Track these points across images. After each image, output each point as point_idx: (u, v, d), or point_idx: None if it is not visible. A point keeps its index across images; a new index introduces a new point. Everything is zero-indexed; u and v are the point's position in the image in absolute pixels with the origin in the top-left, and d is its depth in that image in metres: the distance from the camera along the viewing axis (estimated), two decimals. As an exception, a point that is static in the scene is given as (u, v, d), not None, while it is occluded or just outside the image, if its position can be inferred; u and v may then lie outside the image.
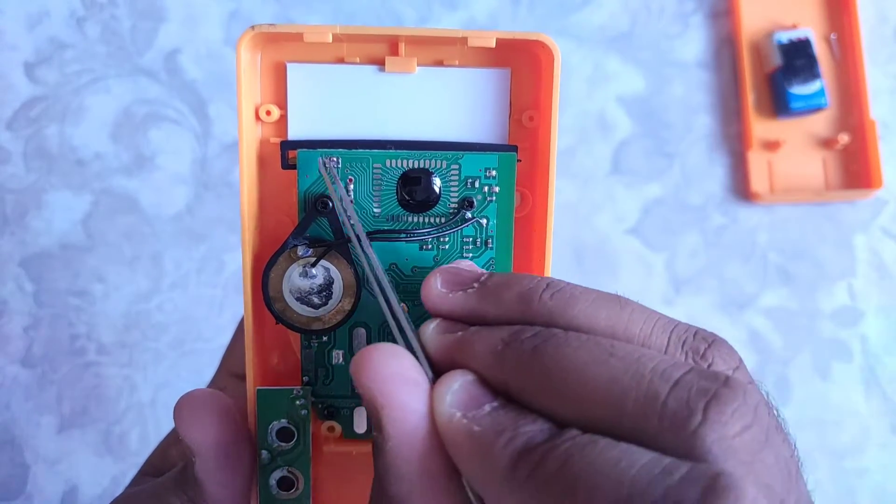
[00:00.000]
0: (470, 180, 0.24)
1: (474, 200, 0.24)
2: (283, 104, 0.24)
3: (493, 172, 0.24)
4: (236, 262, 0.55)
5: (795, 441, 0.17)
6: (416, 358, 0.19)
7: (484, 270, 0.20)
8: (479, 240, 0.24)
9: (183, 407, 0.22)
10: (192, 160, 0.56)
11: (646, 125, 0.57)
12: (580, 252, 0.56)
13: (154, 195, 0.56)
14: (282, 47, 0.24)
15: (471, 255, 0.24)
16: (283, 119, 0.24)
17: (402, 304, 0.21)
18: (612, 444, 0.15)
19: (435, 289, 0.20)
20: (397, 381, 0.17)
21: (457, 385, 0.17)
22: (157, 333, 0.55)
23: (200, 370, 0.55)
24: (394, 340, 0.20)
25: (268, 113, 0.24)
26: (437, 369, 0.19)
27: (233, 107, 0.55)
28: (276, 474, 0.23)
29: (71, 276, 0.55)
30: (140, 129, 0.56)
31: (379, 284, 0.21)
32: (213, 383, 0.29)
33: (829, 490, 0.55)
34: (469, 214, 0.24)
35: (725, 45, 0.58)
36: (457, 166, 0.24)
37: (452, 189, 0.24)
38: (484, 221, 0.24)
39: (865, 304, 0.57)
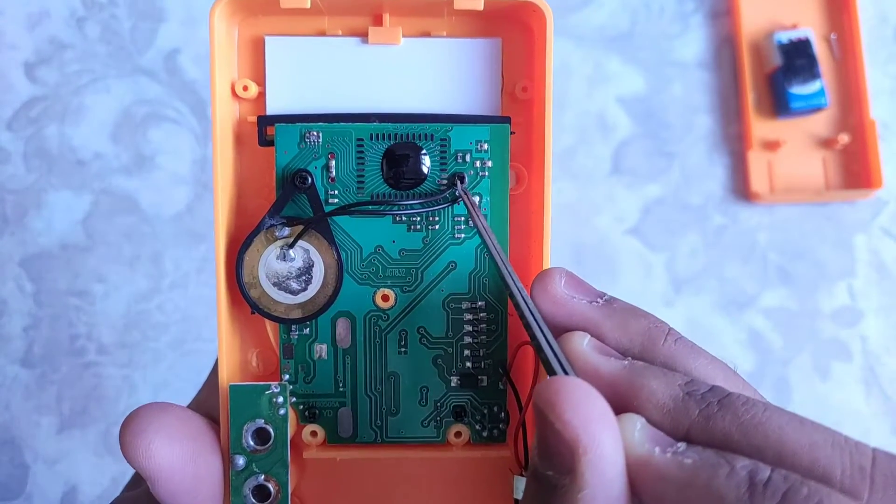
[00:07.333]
0: (460, 154, 0.22)
1: (465, 176, 0.22)
2: (261, 81, 0.22)
3: (486, 146, 0.22)
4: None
5: None
6: (558, 368, 0.17)
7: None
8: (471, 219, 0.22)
9: (125, 431, 0.19)
10: (192, 160, 0.56)
11: (646, 125, 0.57)
12: (580, 252, 0.56)
13: (154, 195, 0.56)
14: (260, 21, 0.23)
15: (463, 234, 0.22)
16: (262, 97, 0.23)
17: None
18: (848, 500, 0.14)
19: (560, 287, 0.18)
20: (603, 424, 0.15)
21: (640, 423, 0.16)
22: (157, 333, 0.55)
23: (200, 370, 0.54)
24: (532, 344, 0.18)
25: (245, 88, 0.22)
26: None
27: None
28: (251, 482, 0.21)
29: (71, 276, 0.55)
30: (140, 129, 0.56)
31: (515, 287, 0.19)
32: (206, 386, 0.28)
33: (829, 490, 0.55)
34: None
35: (725, 45, 0.58)
36: (446, 139, 0.22)
37: (442, 164, 0.22)
38: (476, 199, 0.22)
39: (865, 304, 0.57)
